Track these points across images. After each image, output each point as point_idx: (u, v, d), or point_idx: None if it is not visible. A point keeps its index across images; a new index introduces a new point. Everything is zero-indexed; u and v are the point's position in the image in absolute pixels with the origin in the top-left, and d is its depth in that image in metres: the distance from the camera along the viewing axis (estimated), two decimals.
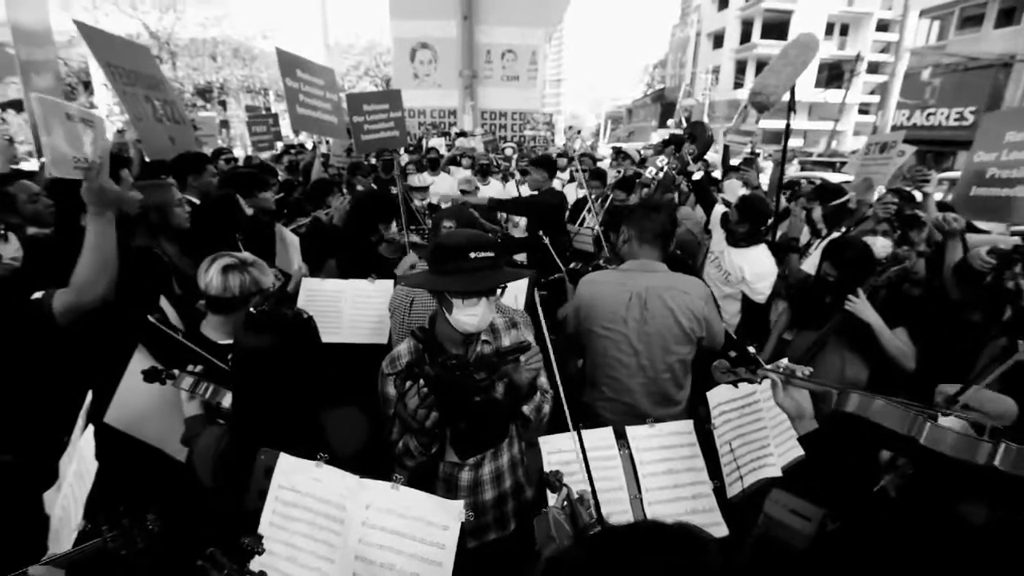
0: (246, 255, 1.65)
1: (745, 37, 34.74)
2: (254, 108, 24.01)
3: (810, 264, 2.72)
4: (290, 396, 1.23)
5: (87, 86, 21.14)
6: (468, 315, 1.30)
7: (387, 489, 1.04)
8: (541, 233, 2.87)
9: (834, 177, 9.40)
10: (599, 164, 6.39)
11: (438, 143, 8.13)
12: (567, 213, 3.91)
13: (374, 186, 4.67)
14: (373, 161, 5.23)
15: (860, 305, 2.12)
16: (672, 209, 1.90)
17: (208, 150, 5.17)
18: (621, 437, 1.38)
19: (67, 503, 1.33)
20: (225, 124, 21.20)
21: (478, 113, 9.76)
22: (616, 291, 1.87)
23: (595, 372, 1.93)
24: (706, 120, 31.16)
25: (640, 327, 1.81)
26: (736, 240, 2.78)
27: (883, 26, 33.93)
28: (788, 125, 3.31)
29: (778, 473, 1.48)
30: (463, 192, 4.25)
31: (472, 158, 6.47)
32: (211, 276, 1.54)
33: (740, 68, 34.54)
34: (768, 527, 1.92)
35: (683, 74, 32.82)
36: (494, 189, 5.64)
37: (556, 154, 6.44)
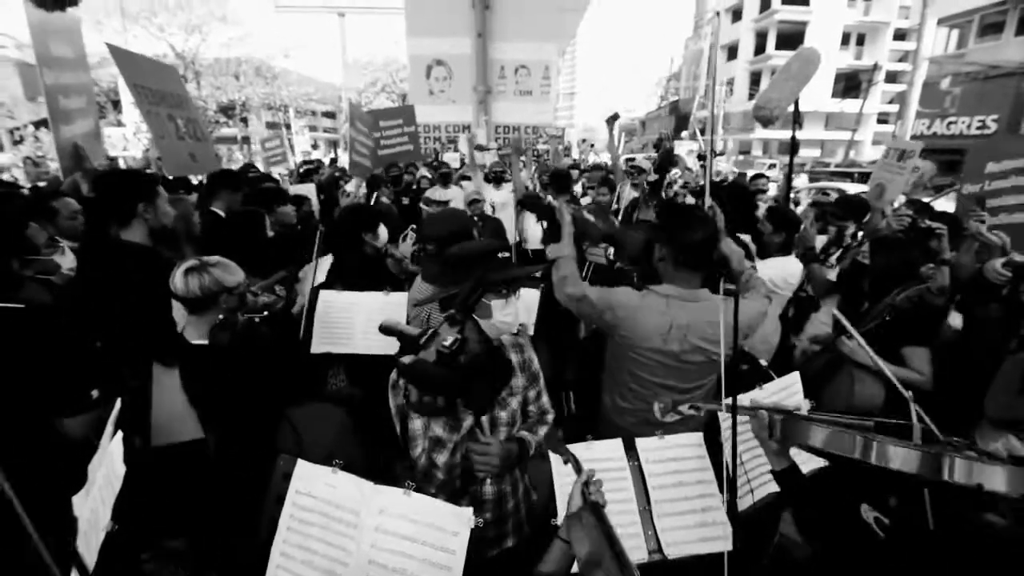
0: (211, 257, 1.72)
1: (759, 49, 34.73)
2: (274, 124, 24.72)
3: (835, 273, 2.75)
4: (246, 390, 1.28)
5: (116, 105, 22.00)
6: (506, 314, 1.36)
7: (400, 495, 1.07)
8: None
9: (851, 188, 9.29)
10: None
11: (452, 158, 8.26)
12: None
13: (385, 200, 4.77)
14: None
15: (853, 347, 2.12)
16: (713, 223, 1.76)
17: (235, 166, 5.39)
18: (630, 448, 1.39)
19: (95, 506, 1.38)
20: (247, 140, 21.85)
21: (492, 127, 9.90)
22: (657, 319, 1.73)
23: (615, 381, 1.88)
24: (721, 131, 31.04)
25: (677, 359, 1.73)
26: (770, 251, 2.77)
27: (900, 35, 33.62)
28: (794, 137, 3.33)
29: None
30: (473, 203, 4.32)
31: (485, 169, 6.56)
32: (176, 279, 1.65)
33: (755, 79, 34.46)
34: (784, 545, 1.91)
35: (697, 86, 32.86)
36: (505, 195, 5.70)
37: (568, 166, 6.49)
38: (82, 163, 2.97)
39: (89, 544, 1.31)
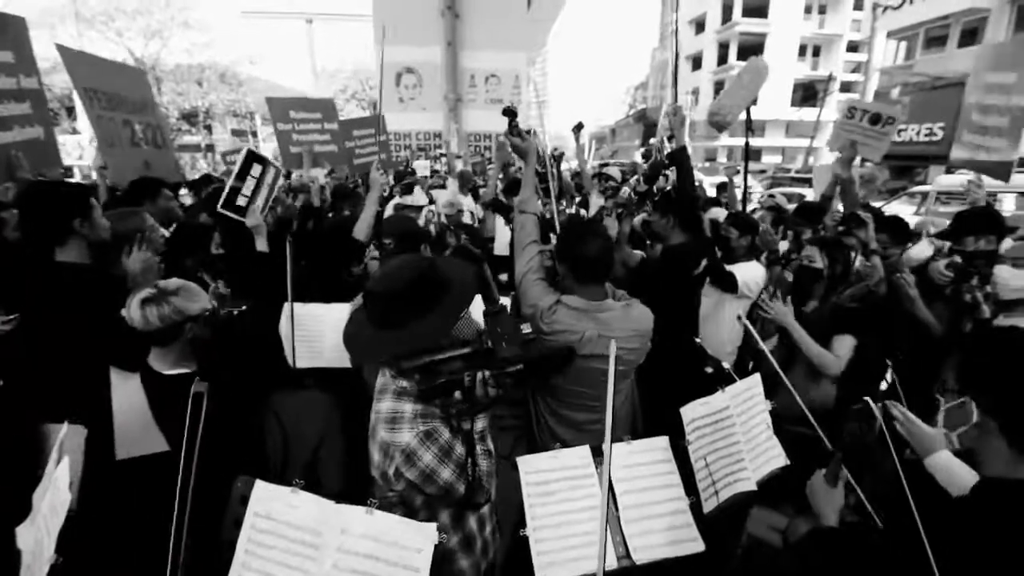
0: (170, 283, 1.58)
1: (722, 59, 35.91)
2: (240, 132, 24.12)
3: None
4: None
5: (70, 112, 21.09)
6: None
7: (362, 514, 1.05)
8: None
9: (810, 193, 9.65)
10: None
11: (422, 166, 8.22)
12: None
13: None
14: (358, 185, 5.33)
15: (778, 310, 2.22)
16: (606, 235, 1.79)
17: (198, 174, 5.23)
18: (597, 455, 1.40)
19: (40, 536, 1.31)
20: (210, 148, 21.23)
21: (463, 136, 9.92)
22: (568, 328, 1.71)
23: (548, 389, 1.84)
24: (686, 138, 31.86)
25: (587, 366, 1.69)
26: (736, 256, 2.85)
27: (853, 47, 35.35)
28: (747, 143, 3.48)
29: (753, 487, 1.51)
30: (447, 216, 4.30)
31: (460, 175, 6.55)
32: (132, 311, 1.50)
33: (718, 89, 35.54)
34: (751, 545, 1.94)
35: (664, 95, 33.73)
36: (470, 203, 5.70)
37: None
38: (14, 172, 2.80)
39: None
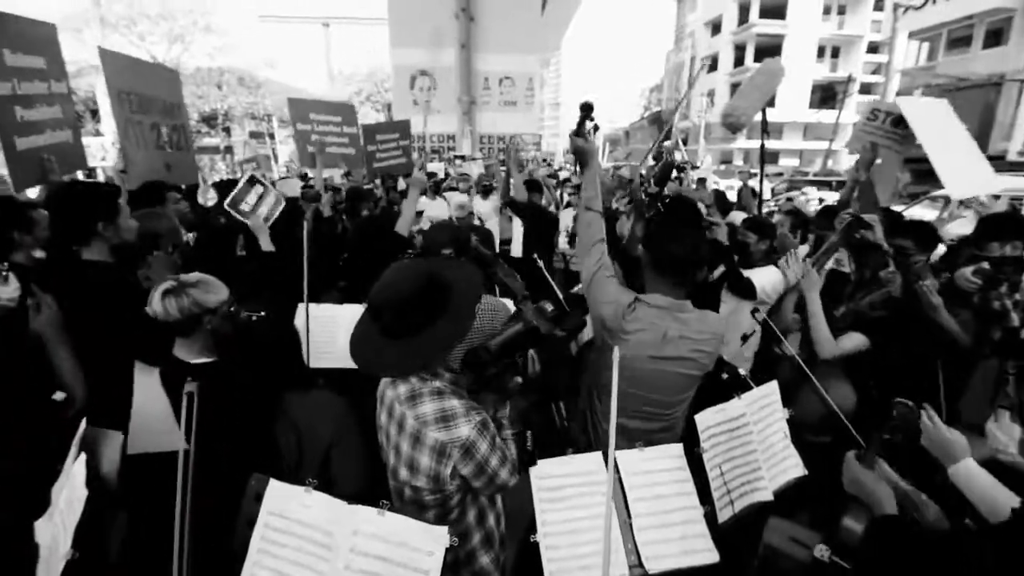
0: (189, 276, 1.63)
1: (738, 61, 35.55)
2: (258, 134, 24.50)
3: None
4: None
5: (94, 114, 21.63)
6: None
7: (373, 515, 1.05)
8: (536, 256, 2.91)
9: (831, 197, 9.50)
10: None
11: (437, 168, 8.26)
12: (564, 236, 3.97)
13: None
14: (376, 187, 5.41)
15: (811, 277, 2.17)
16: (700, 234, 1.79)
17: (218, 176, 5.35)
18: None
19: (57, 531, 1.33)
20: (229, 150, 21.60)
21: (476, 138, 9.95)
22: (649, 327, 1.67)
23: (601, 392, 1.81)
24: (702, 141, 31.54)
25: (661, 368, 1.68)
26: (754, 261, 2.79)
27: (873, 48, 34.73)
28: (763, 146, 3.44)
29: (769, 497, 1.48)
30: (458, 219, 4.33)
31: (470, 180, 6.58)
32: (154, 303, 1.56)
33: (734, 91, 35.20)
34: (768, 556, 1.90)
35: (679, 97, 33.50)
36: (492, 206, 5.72)
37: (547, 175, 6.52)
38: (46, 175, 2.88)
39: (50, 571, 1.26)
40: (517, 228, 4.85)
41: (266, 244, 2.54)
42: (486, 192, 5.99)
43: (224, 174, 13.93)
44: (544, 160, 10.91)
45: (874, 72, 34.05)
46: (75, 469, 1.34)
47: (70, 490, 1.33)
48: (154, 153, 3.76)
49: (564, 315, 1.31)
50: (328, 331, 2.38)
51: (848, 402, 2.14)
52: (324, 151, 4.78)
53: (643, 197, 4.22)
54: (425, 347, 1.21)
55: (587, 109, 1.84)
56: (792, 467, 1.58)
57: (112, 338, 1.79)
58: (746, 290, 2.67)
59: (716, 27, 37.71)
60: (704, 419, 1.45)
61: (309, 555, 1.06)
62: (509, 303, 1.73)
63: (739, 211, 3.85)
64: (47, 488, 1.47)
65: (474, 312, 1.25)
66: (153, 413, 1.62)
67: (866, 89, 33.07)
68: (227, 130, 25.23)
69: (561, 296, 2.72)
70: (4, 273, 1.58)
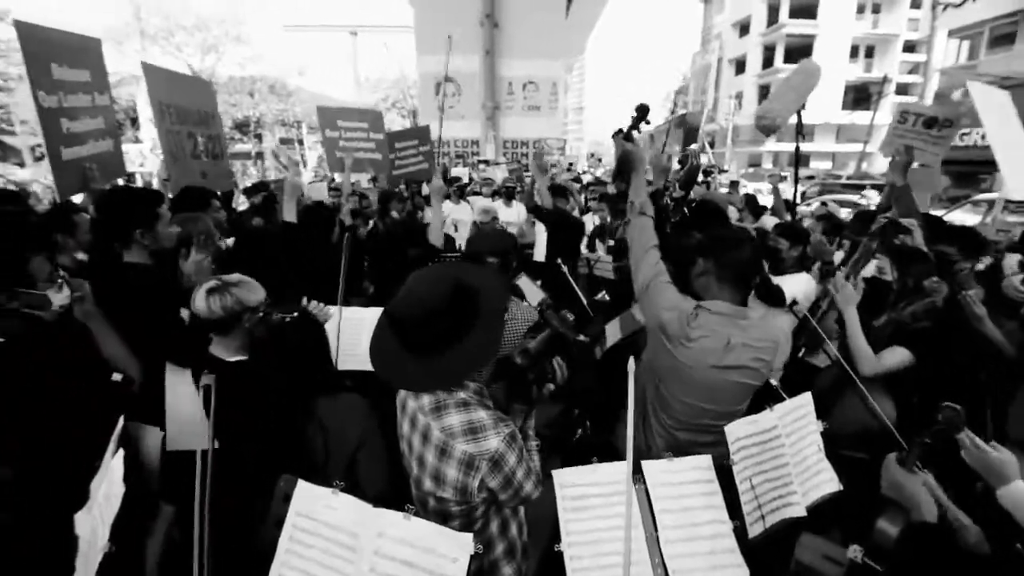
0: (231, 276, 1.72)
1: (767, 62, 34.82)
2: (288, 140, 25.20)
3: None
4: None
5: (134, 122, 22.58)
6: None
7: (399, 519, 1.05)
8: (560, 261, 2.89)
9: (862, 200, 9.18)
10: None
11: (461, 172, 8.33)
12: (585, 240, 3.94)
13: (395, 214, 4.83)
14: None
15: (846, 293, 2.08)
16: (754, 242, 1.73)
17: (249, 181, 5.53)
18: (636, 472, 1.35)
19: (96, 525, 1.37)
20: (260, 155, 22.26)
21: (500, 142, 10.00)
22: (712, 334, 1.62)
23: (654, 401, 1.77)
24: (729, 144, 30.94)
25: (723, 378, 1.63)
26: (785, 267, 2.71)
27: (910, 47, 33.55)
28: (798, 149, 3.34)
29: (803, 513, 1.42)
30: (482, 224, 4.35)
31: (493, 185, 6.61)
32: (198, 301, 1.64)
33: (764, 93, 34.51)
34: (800, 573, 1.84)
35: (705, 100, 33.00)
36: (516, 212, 5.73)
37: (570, 179, 6.50)
38: (88, 185, 3.02)
39: (88, 564, 1.30)
40: (540, 233, 4.84)
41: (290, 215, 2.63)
42: (509, 197, 6.01)
43: (255, 179, 14.34)
44: (569, 165, 10.88)
45: (911, 72, 32.88)
46: (114, 464, 1.39)
47: (108, 485, 1.38)
48: (191, 162, 3.90)
49: (587, 321, 1.30)
50: (355, 334, 2.41)
51: (888, 418, 2.05)
52: (352, 157, 4.89)
53: (668, 202, 4.14)
54: (456, 364, 1.16)
55: (643, 112, 1.80)
56: (826, 482, 1.52)
57: (150, 338, 1.86)
58: (776, 298, 2.60)
59: (744, 28, 37.04)
60: (734, 430, 1.41)
61: (335, 557, 1.07)
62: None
63: (773, 215, 3.74)
64: (86, 482, 1.53)
65: (503, 322, 1.23)
66: (187, 412, 1.67)
67: (902, 89, 31.94)
68: (259, 136, 25.99)
69: (585, 302, 2.69)
70: (60, 281, 1.66)
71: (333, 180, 8.46)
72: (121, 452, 1.37)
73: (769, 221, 3.49)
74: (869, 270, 2.63)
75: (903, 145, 3.47)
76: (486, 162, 8.84)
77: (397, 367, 1.21)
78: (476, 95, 9.92)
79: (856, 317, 2.10)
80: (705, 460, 1.38)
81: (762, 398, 1.69)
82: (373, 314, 2.41)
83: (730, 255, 1.67)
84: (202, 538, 1.00)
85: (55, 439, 1.67)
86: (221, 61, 24.90)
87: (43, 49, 2.91)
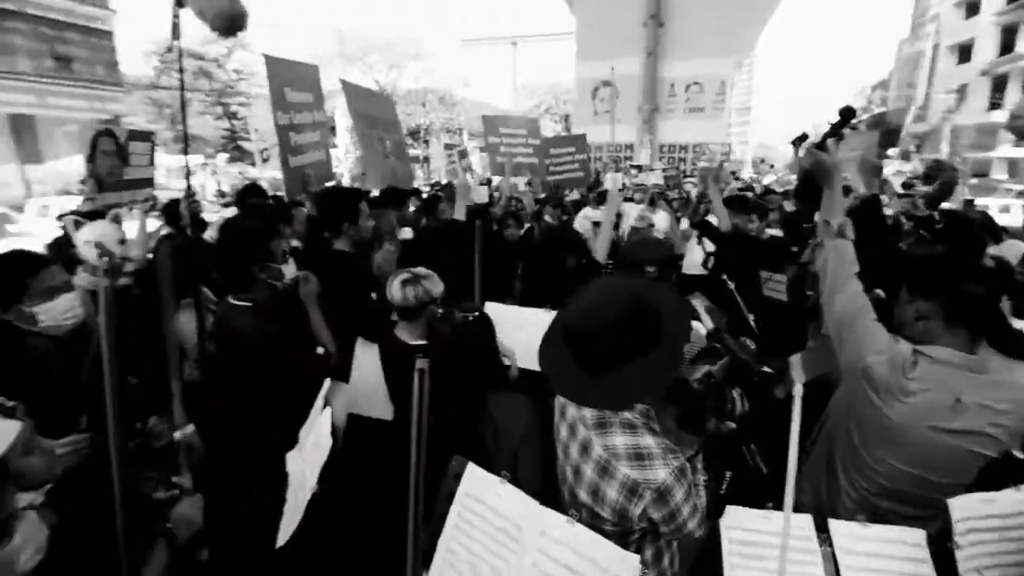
0: (419, 269, 1.96)
1: (1007, 48, 27.75)
2: (451, 145, 27.69)
3: None
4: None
5: (332, 130, 26.92)
6: None
7: (563, 522, 1.07)
8: (725, 277, 2.66)
9: None
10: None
11: (614, 178, 8.20)
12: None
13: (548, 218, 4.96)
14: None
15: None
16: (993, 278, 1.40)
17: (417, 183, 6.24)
18: (822, 531, 1.18)
19: (303, 468, 1.65)
20: (427, 160, 24.82)
21: (656, 147, 9.63)
22: (936, 388, 1.33)
23: (846, 456, 1.53)
24: (944, 147, 25.46)
25: (947, 443, 1.33)
26: None
27: None
28: None
29: None
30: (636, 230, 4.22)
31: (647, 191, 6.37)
32: (394, 289, 1.89)
33: (998, 85, 27.67)
34: None
35: (913, 94, 27.47)
36: (659, 219, 5.44)
37: (739, 188, 5.96)
38: (306, 187, 3.66)
39: (296, 500, 1.56)
40: (693, 243, 4.52)
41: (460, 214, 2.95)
42: (651, 203, 5.72)
43: (422, 181, 16.03)
44: (733, 174, 9.97)
45: None
46: (321, 418, 1.65)
47: (316, 435, 1.65)
48: (382, 162, 4.51)
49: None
50: (503, 332, 2.53)
51: None
52: (512, 162, 5.17)
53: (904, 220, 3.45)
54: (631, 383, 1.09)
55: (848, 115, 1.51)
56: None
57: (345, 316, 2.20)
58: (1019, 347, 2.04)
59: (972, 7, 30.02)
60: (963, 506, 1.15)
61: (499, 544, 1.13)
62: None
63: (1015, 239, 2.97)
64: (296, 428, 1.85)
65: (684, 347, 1.15)
66: (371, 382, 1.93)
67: None
68: (427, 142, 29.02)
69: (754, 326, 2.44)
70: (287, 256, 2.05)
71: (489, 183, 9.04)
72: (329, 409, 1.63)
73: (1014, 248, 2.72)
74: None
75: None
76: (639, 167, 8.58)
77: (567, 379, 1.17)
78: (633, 98, 9.70)
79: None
80: (918, 535, 1.16)
81: (998, 470, 1.35)
82: (522, 312, 2.50)
83: (961, 289, 1.36)
84: (416, 508, 1.11)
85: (279, 387, 2.06)
86: (402, 76, 28.41)
87: (280, 76, 3.61)
